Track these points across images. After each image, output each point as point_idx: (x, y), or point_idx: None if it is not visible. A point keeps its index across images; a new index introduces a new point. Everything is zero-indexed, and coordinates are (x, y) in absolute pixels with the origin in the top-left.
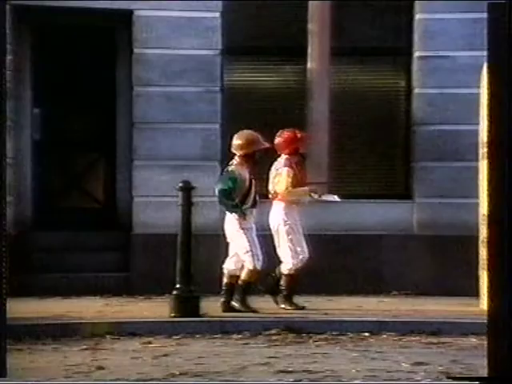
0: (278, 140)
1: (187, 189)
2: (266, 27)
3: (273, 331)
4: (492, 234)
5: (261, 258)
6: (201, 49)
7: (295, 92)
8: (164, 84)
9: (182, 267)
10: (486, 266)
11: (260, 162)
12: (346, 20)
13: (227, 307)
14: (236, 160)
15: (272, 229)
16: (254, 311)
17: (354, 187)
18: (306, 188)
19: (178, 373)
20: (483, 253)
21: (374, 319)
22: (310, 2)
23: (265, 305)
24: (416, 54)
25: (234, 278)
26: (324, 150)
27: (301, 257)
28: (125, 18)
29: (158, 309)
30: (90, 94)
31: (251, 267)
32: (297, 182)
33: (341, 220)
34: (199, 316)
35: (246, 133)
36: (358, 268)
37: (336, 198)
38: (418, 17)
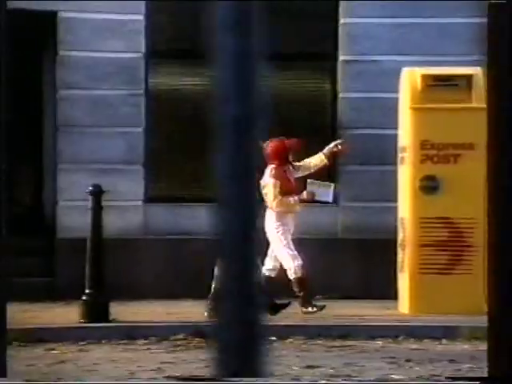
0: (267, 149)
1: (97, 192)
2: (190, 30)
3: (180, 336)
4: (491, 235)
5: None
6: (124, 51)
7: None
8: (88, 87)
9: (92, 272)
10: (402, 268)
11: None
12: (272, 24)
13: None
14: None
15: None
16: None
17: None
18: (296, 198)
19: (63, 379)
20: (400, 255)
21: (282, 324)
22: None
23: (176, 309)
24: (341, 58)
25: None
26: None
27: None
28: (49, 19)
29: (73, 314)
30: (15, 97)
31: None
32: (289, 190)
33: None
34: (108, 321)
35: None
36: (283, 272)
37: (330, 197)
38: (342, 21)
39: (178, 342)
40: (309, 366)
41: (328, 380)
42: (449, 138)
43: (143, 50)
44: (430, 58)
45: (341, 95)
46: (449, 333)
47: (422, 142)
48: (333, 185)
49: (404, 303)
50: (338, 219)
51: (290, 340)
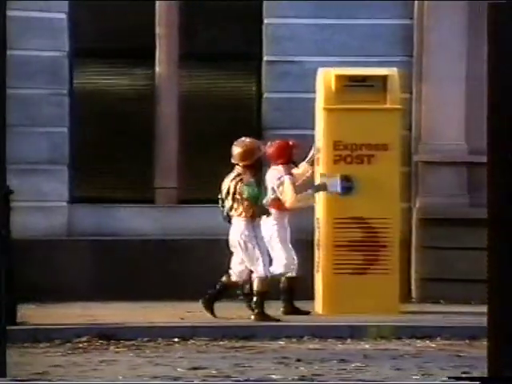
0: (271, 150)
1: (5, 193)
2: (114, 29)
3: (83, 338)
4: (491, 236)
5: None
6: (48, 50)
7: (144, 96)
8: (11, 86)
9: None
10: (318, 269)
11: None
12: (196, 24)
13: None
14: (238, 170)
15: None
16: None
17: (203, 192)
18: (309, 191)
19: None
20: (316, 256)
21: (188, 325)
22: (157, 5)
23: (92, 312)
24: (265, 58)
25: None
26: (173, 154)
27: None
28: None
29: None
30: None
31: (263, 275)
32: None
33: (188, 225)
34: (15, 324)
35: (245, 141)
36: (205, 272)
37: (338, 187)
38: (266, 21)
39: (80, 345)
40: (194, 368)
41: (204, 380)
42: (362, 138)
43: (67, 48)
44: (353, 58)
45: (265, 95)
46: (356, 332)
47: (335, 142)
48: (339, 175)
49: (319, 303)
50: None
51: (193, 341)
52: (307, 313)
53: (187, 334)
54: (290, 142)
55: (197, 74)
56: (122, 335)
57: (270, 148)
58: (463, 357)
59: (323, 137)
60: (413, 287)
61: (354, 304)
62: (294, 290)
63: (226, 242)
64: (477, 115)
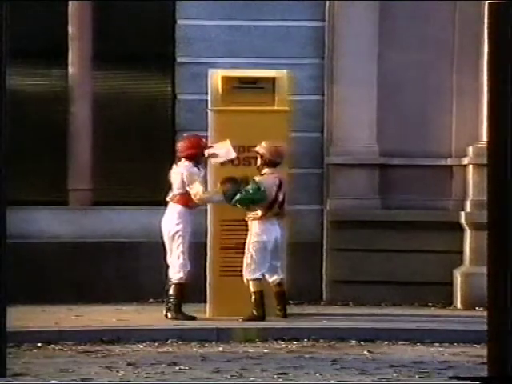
0: (183, 145)
1: None
2: (27, 30)
3: None
4: (492, 238)
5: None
6: None
7: (57, 97)
8: None
9: None
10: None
11: None
12: (110, 24)
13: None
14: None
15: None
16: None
17: (117, 193)
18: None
19: None
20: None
21: (55, 329)
22: (70, 5)
23: None
24: (178, 60)
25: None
26: (87, 155)
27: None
28: None
29: None
30: None
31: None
32: None
33: (102, 227)
34: None
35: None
36: (117, 276)
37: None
38: (179, 22)
39: None
40: (16, 374)
41: None
42: (250, 140)
43: None
44: (265, 60)
45: (178, 97)
46: (222, 336)
47: None
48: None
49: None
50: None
51: (54, 346)
52: (193, 318)
53: (53, 338)
54: (204, 140)
55: (110, 75)
56: None
57: (181, 142)
58: (306, 358)
59: (211, 138)
60: (323, 289)
61: (239, 306)
62: (183, 294)
63: (140, 244)
64: (388, 117)
